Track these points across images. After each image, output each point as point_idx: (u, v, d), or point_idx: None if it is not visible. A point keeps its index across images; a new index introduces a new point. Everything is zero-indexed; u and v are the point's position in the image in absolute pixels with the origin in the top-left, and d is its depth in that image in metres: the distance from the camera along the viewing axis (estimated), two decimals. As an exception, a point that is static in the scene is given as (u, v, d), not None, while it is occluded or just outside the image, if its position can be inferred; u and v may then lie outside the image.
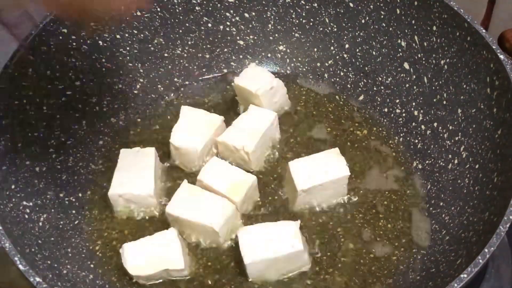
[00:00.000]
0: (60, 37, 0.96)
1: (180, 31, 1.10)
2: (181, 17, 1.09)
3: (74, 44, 0.99)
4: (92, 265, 0.90)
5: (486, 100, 0.90)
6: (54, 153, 0.96)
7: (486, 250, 0.73)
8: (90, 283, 0.86)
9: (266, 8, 1.11)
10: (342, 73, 1.11)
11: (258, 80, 1.02)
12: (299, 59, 1.14)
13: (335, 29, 1.09)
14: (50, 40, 0.95)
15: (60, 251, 0.87)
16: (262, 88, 1.01)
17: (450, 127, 0.97)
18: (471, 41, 0.91)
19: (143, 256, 0.85)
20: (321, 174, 0.93)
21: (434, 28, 0.97)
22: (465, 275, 0.72)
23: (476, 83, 0.92)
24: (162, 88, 1.10)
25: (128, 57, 1.07)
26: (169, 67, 1.11)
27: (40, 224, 0.87)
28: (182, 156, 0.99)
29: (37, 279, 0.72)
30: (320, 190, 0.93)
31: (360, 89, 1.09)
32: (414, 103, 1.03)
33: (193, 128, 0.98)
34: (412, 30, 1.00)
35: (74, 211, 0.94)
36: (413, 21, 1.00)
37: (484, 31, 0.90)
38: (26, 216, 0.85)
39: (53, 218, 0.90)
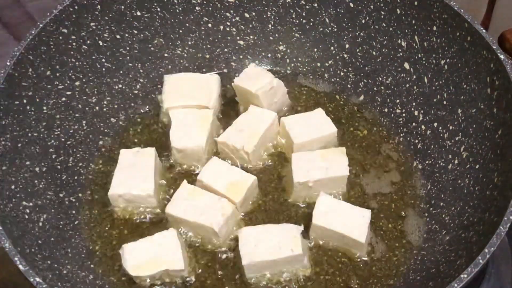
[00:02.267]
0: (60, 37, 0.96)
1: (180, 31, 1.10)
2: (181, 17, 1.09)
3: (74, 44, 0.99)
4: (92, 265, 0.90)
5: (486, 100, 0.90)
6: (54, 153, 0.96)
7: (486, 250, 0.73)
8: (90, 283, 0.86)
9: (266, 8, 1.11)
10: (342, 73, 1.11)
11: (258, 80, 1.02)
12: (299, 59, 1.14)
13: (335, 29, 1.09)
14: (50, 40, 0.95)
15: (60, 251, 0.87)
16: (262, 88, 1.01)
17: (450, 127, 0.97)
18: (471, 41, 0.91)
19: (143, 257, 0.85)
20: (321, 170, 0.93)
21: (434, 28, 0.97)
22: (465, 275, 0.72)
23: (476, 83, 0.92)
24: (162, 88, 1.10)
25: (128, 57, 1.07)
26: (169, 67, 1.11)
27: (40, 224, 0.87)
28: (187, 157, 0.98)
29: (37, 279, 0.72)
30: (318, 185, 0.93)
31: (360, 89, 1.09)
32: (414, 103, 1.03)
33: (189, 128, 0.98)
34: (412, 30, 1.00)
35: (74, 211, 0.94)
36: (413, 21, 1.00)
37: (484, 31, 0.90)
38: (26, 216, 0.85)
39: (53, 218, 0.90)
